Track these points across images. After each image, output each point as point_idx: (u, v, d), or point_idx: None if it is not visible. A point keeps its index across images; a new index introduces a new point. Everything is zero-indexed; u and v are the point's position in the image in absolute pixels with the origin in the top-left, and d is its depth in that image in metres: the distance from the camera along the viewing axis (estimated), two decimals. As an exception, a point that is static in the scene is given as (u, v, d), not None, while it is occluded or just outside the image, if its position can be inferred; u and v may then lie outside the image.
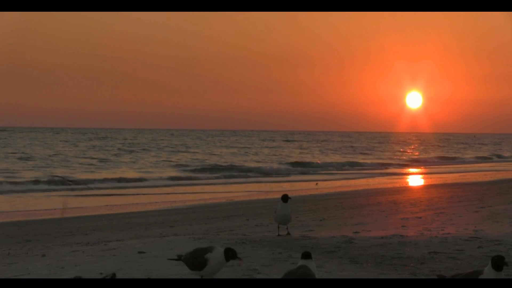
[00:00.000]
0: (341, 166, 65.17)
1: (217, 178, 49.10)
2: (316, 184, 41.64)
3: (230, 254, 7.77)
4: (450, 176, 48.62)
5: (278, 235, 13.43)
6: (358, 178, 49.23)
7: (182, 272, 9.22)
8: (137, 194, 35.34)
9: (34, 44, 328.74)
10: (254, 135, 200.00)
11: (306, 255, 7.24)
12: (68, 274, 9.75)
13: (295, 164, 65.51)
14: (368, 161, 72.96)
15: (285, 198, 13.06)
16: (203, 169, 56.39)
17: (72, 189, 37.93)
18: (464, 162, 79.14)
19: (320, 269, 9.71)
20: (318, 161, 70.07)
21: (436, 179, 44.42)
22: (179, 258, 8.01)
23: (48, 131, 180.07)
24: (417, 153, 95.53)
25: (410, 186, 39.55)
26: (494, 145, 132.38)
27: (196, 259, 7.75)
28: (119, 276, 9.37)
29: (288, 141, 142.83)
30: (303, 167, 62.22)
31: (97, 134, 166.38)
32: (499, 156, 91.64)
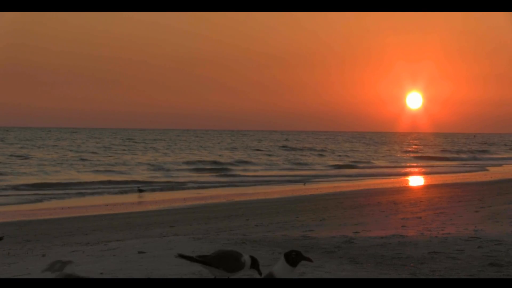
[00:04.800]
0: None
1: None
2: (304, 184, 41.74)
3: (256, 264, 7.77)
4: (450, 176, 48.66)
5: None
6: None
7: (182, 272, 9.22)
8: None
9: (34, 44, 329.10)
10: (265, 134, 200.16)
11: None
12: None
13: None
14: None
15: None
16: None
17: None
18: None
19: (320, 269, 9.70)
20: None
21: (436, 179, 44.43)
22: (197, 259, 7.84)
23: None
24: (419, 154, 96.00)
25: (410, 186, 39.54)
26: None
27: (234, 261, 7.72)
28: (119, 276, 9.38)
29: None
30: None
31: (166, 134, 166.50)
32: None
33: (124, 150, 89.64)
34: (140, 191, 35.61)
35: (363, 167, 64.16)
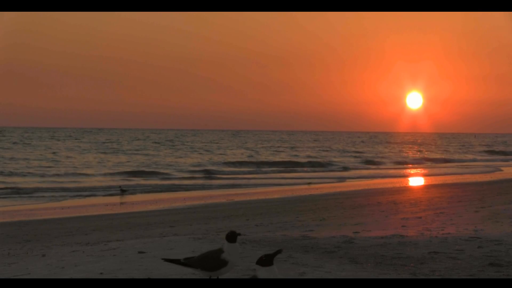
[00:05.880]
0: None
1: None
2: (309, 183, 41.89)
3: (231, 236, 7.69)
4: (450, 176, 48.66)
5: None
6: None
7: (182, 272, 9.22)
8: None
9: (34, 44, 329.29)
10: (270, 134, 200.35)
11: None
12: (68, 274, 9.75)
13: None
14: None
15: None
16: None
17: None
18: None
19: (320, 269, 9.71)
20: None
21: (436, 179, 44.44)
22: (183, 263, 7.83)
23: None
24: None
25: (410, 186, 39.55)
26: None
27: (212, 260, 7.62)
28: (119, 276, 9.38)
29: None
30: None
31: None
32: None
33: (137, 150, 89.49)
34: (123, 191, 35.56)
35: (386, 168, 64.28)
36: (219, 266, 7.51)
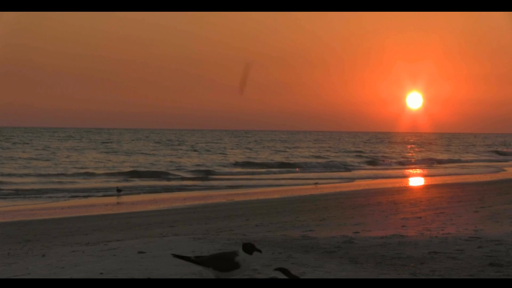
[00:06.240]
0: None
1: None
2: (316, 183, 41.97)
3: (250, 248, 7.68)
4: (451, 176, 48.68)
5: None
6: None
7: (182, 272, 9.22)
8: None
9: (34, 44, 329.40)
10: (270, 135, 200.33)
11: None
12: (68, 274, 9.75)
13: None
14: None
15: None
16: None
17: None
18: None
19: (320, 269, 9.70)
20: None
21: (437, 179, 44.46)
22: (193, 260, 7.79)
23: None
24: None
25: (410, 186, 39.55)
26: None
27: (225, 261, 7.60)
28: (119, 276, 9.37)
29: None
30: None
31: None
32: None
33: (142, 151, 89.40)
34: (119, 191, 35.64)
35: (387, 168, 64.27)
36: (232, 268, 7.50)
